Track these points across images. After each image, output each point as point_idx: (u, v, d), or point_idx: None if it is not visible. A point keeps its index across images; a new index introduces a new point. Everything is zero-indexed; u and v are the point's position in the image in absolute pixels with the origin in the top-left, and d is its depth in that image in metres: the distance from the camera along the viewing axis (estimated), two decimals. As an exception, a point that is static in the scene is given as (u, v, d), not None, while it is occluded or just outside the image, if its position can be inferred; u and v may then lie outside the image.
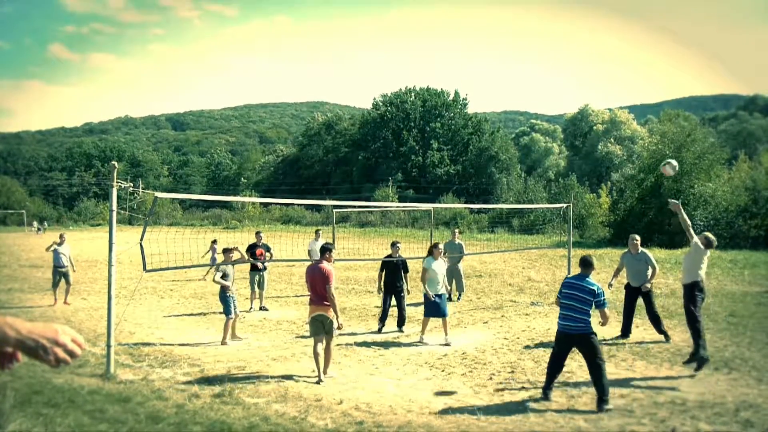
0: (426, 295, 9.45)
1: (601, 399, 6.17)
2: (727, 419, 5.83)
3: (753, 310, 11.91)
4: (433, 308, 9.38)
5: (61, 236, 13.52)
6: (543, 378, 7.34)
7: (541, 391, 6.68)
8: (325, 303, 7.39)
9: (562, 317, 6.54)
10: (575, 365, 7.94)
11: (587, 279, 6.55)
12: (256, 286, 12.48)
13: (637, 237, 10.04)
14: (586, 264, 6.67)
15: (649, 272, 9.63)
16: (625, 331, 9.76)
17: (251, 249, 12.52)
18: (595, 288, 6.41)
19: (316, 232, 15.39)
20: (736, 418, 5.87)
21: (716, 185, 29.40)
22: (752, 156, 44.89)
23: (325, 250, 7.75)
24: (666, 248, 25.34)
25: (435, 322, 9.78)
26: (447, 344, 9.26)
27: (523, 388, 7.01)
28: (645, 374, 7.50)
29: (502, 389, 6.97)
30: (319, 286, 7.41)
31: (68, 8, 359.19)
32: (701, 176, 29.37)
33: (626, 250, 10.06)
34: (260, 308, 12.48)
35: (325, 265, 7.48)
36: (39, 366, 6.49)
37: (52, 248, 13.39)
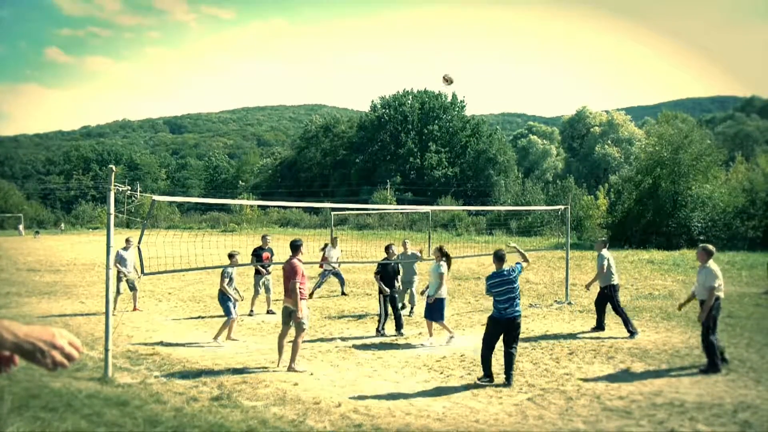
0: (438, 300, 9.46)
1: (509, 375, 7.13)
2: (726, 420, 5.84)
3: (751, 311, 11.92)
4: (426, 310, 9.45)
5: (127, 240, 12.82)
6: (542, 379, 7.36)
7: (486, 382, 7.12)
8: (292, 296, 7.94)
9: (504, 305, 7.26)
10: (574, 367, 7.95)
11: (505, 270, 7.43)
12: (261, 290, 12.42)
13: (602, 238, 10.75)
14: (502, 259, 7.58)
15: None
16: (599, 325, 10.32)
17: (257, 252, 12.40)
18: (511, 269, 7.45)
19: (334, 239, 15.69)
20: (735, 419, 5.88)
21: (714, 187, 29.51)
22: (749, 157, 45.07)
23: (296, 247, 8.16)
24: (664, 249, 25.38)
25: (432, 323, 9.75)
26: (423, 345, 9.34)
27: (521, 390, 7.01)
28: (643, 376, 7.51)
29: (501, 391, 6.97)
30: (286, 280, 8.03)
31: (64, 12, 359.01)
32: (699, 178, 29.47)
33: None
34: (267, 312, 12.40)
35: (294, 261, 7.99)
36: (36, 369, 6.47)
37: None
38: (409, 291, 11.95)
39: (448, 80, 10.70)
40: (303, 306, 7.91)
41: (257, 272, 12.36)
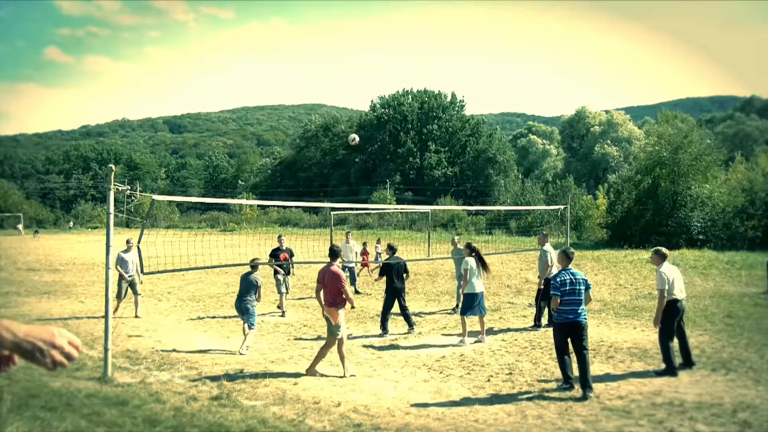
0: (465, 295, 9.54)
1: (586, 385, 6.64)
2: (725, 420, 5.84)
3: (750, 311, 11.93)
4: (470, 306, 9.47)
5: (128, 242, 12.31)
6: (540, 380, 7.35)
7: (566, 388, 6.91)
8: (330, 304, 7.68)
9: (568, 307, 6.85)
10: (573, 366, 7.94)
11: (573, 270, 7.07)
12: (283, 289, 12.48)
13: (543, 232, 11.43)
14: (570, 257, 7.20)
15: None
16: (537, 320, 10.66)
17: (275, 253, 12.57)
18: (583, 275, 7.03)
19: (347, 234, 15.94)
20: (734, 419, 5.88)
21: (713, 186, 29.46)
22: (749, 157, 45.06)
23: (335, 253, 8.06)
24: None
25: (431, 323, 9.76)
26: (479, 341, 9.45)
27: (521, 389, 7.01)
28: (643, 376, 7.51)
29: (500, 391, 6.97)
30: (331, 286, 7.71)
31: (63, 11, 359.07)
32: (698, 177, 29.43)
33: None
34: (278, 309, 12.55)
35: (335, 268, 7.81)
36: (36, 369, 6.47)
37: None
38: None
39: (353, 141, 12.05)
40: (341, 313, 7.70)
41: (277, 273, 12.46)
